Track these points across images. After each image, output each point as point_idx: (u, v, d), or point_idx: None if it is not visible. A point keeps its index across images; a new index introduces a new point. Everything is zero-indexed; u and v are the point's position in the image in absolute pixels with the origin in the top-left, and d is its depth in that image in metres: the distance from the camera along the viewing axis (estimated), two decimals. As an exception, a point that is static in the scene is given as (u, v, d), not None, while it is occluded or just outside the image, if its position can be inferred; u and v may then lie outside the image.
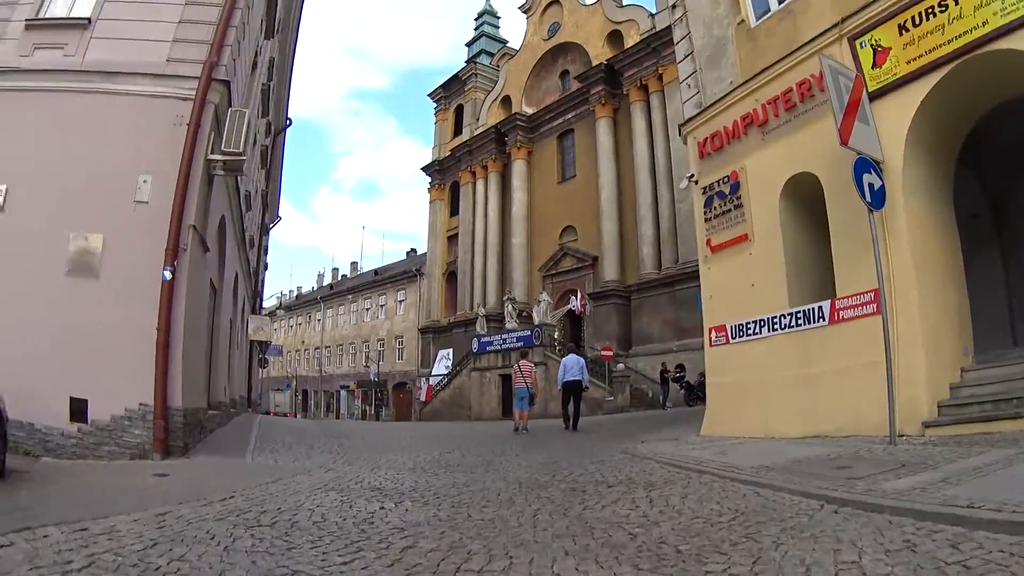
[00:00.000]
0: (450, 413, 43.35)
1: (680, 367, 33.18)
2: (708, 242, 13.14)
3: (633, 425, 18.68)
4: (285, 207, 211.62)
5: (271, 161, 34.26)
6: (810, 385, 10.42)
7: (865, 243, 9.20)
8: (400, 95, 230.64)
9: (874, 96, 9.80)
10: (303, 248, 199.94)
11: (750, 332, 11.74)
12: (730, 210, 12.54)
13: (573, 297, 40.89)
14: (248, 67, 16.57)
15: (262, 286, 46.68)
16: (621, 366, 35.48)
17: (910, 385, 8.90)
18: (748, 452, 9.18)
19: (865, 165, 9.11)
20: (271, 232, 50.32)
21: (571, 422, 17.85)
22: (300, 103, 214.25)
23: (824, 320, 10.35)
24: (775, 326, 11.23)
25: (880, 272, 8.87)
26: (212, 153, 11.85)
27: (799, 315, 10.81)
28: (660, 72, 40.36)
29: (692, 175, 13.80)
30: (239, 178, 16.62)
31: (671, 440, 12.02)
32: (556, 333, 41.19)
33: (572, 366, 18.02)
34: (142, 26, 11.89)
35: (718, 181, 12.87)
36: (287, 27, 29.89)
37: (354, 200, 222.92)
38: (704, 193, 13.27)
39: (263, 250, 43.22)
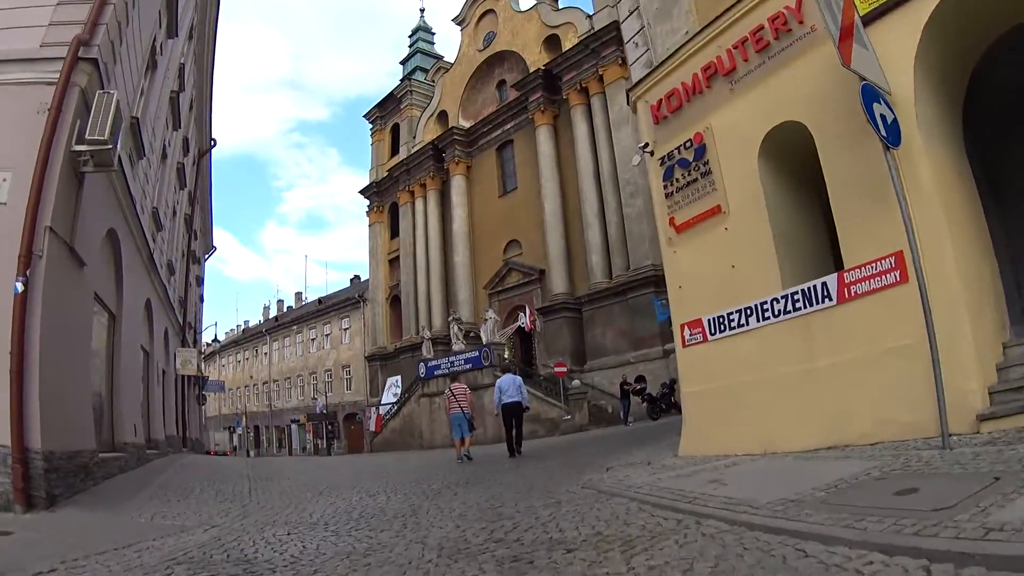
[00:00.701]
0: (402, 443, 40.69)
1: (640, 379, 31.25)
2: (671, 221, 10.79)
3: (595, 446, 16.38)
4: (231, 243, 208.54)
5: (196, 184, 32.20)
6: (818, 382, 8.19)
7: (877, 196, 7.26)
8: (341, 125, 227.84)
9: (869, 20, 7.76)
10: (252, 283, 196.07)
11: (734, 325, 9.50)
12: (696, 179, 10.32)
13: (521, 313, 38.70)
14: (141, 61, 14.23)
15: (199, 320, 44.90)
16: (577, 382, 33.25)
17: (956, 369, 6.73)
18: (752, 477, 6.96)
19: (873, 93, 7.02)
20: (206, 263, 48.64)
21: (515, 447, 16.17)
22: (241, 138, 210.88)
23: (831, 299, 8.14)
24: (766, 314, 9.00)
25: (909, 227, 6.74)
26: (77, 144, 9.45)
27: (797, 297, 8.60)
28: (600, 73, 38.79)
29: (645, 144, 11.49)
30: (140, 189, 15.10)
31: (642, 465, 9.73)
32: (506, 352, 39.10)
33: (508, 386, 16.43)
34: (18, 11, 10.00)
35: (678, 148, 10.66)
36: (203, 36, 28.02)
37: (300, 234, 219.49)
38: (662, 164, 11.04)
39: (197, 281, 41.93)
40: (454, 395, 16.82)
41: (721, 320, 9.70)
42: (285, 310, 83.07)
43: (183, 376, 36.82)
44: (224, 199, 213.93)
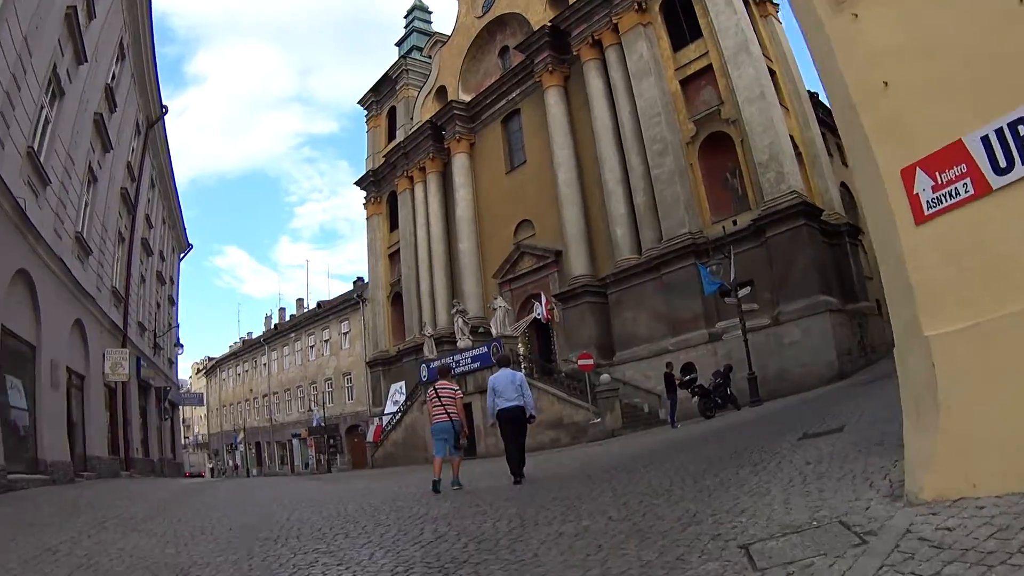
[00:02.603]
0: (405, 456, 35.34)
1: (689, 367, 25.35)
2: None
3: (652, 466, 10.55)
4: (246, 261, 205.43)
5: (142, 158, 29.90)
6: None
7: None
8: (350, 137, 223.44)
9: None
10: (267, 300, 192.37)
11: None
12: None
13: (536, 303, 33.01)
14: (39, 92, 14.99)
15: (174, 327, 41.17)
16: (606, 377, 27.62)
17: None
18: None
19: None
20: (181, 264, 46.23)
21: (517, 470, 11.70)
22: (252, 157, 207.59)
23: None
24: None
25: None
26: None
27: None
28: (615, 22, 33.05)
29: None
30: (53, 217, 16.52)
31: (823, 530, 4.28)
32: (521, 347, 33.38)
33: (505, 386, 12.03)
34: None
35: None
36: (138, 41, 26.76)
37: (315, 248, 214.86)
38: None
39: (172, 281, 40.52)
40: (439, 397, 12.04)
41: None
42: (287, 319, 77.27)
43: (158, 392, 32.26)
44: (237, 218, 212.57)
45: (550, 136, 36.09)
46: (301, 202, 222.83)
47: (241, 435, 71.59)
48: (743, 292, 24.11)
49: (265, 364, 71.63)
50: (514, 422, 11.86)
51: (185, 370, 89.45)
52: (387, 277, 50.63)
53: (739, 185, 28.98)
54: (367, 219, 53.23)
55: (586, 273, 33.35)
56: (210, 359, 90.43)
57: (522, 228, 38.95)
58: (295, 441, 62.94)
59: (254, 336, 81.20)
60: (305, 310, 73.90)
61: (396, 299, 49.05)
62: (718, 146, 29.66)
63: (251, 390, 74.23)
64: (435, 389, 12.14)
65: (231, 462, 76.37)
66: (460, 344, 33.66)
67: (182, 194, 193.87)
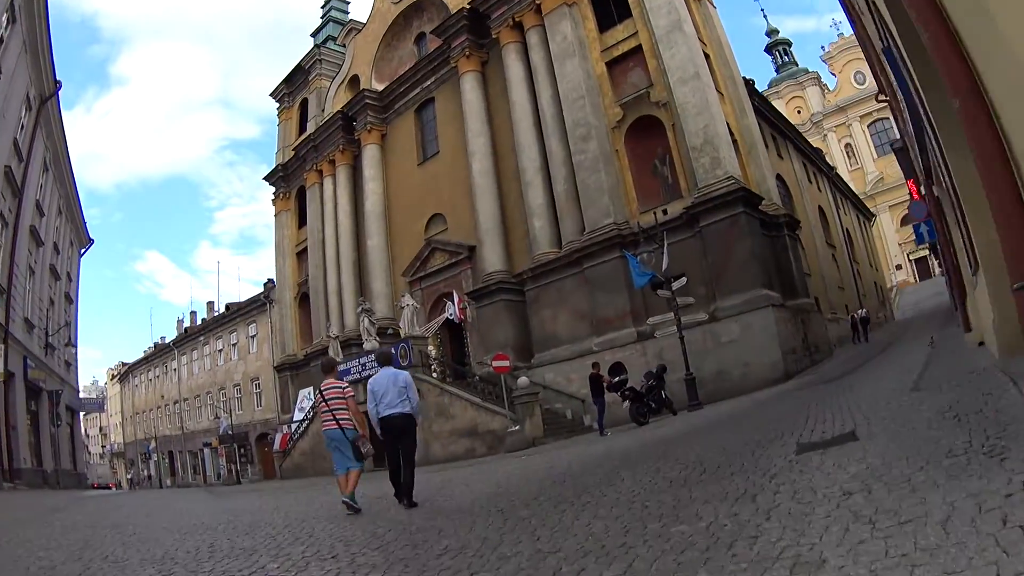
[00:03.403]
0: (313, 467, 31.10)
1: (618, 367, 22.09)
2: None
3: (594, 500, 6.76)
4: (167, 267, 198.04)
5: (32, 137, 26.94)
6: None
7: None
8: (271, 142, 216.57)
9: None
10: (187, 306, 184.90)
11: None
12: None
13: (449, 302, 29.57)
14: None
15: (72, 327, 37.71)
16: (524, 380, 24.32)
17: None
18: None
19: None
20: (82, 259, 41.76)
21: (405, 492, 9.20)
22: (175, 159, 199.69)
23: None
24: None
25: None
26: None
27: None
28: (538, 2, 29.91)
29: None
30: None
31: None
32: (432, 349, 29.82)
33: (385, 390, 9.51)
34: None
35: None
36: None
37: (235, 253, 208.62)
38: None
39: (67, 277, 36.65)
40: (325, 399, 9.44)
41: None
42: (199, 322, 71.89)
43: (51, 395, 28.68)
44: (159, 224, 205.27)
45: (465, 124, 32.61)
46: (221, 207, 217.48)
47: (153, 444, 66.98)
48: (678, 283, 21.08)
49: (175, 369, 66.43)
50: (398, 432, 9.28)
51: (101, 375, 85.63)
52: (295, 277, 46.16)
53: (669, 173, 26.11)
54: (275, 216, 48.63)
55: (502, 269, 29.90)
56: (124, 364, 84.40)
57: (434, 223, 35.31)
58: (206, 450, 58.15)
59: (167, 341, 75.50)
60: (215, 313, 68.95)
61: (304, 300, 44.71)
62: (647, 131, 26.74)
63: (163, 396, 68.93)
64: (320, 390, 9.54)
65: (145, 472, 71.11)
66: (366, 346, 29.87)
67: (105, 198, 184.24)
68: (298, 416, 38.30)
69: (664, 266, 21.17)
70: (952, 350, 13.93)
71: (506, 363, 23.90)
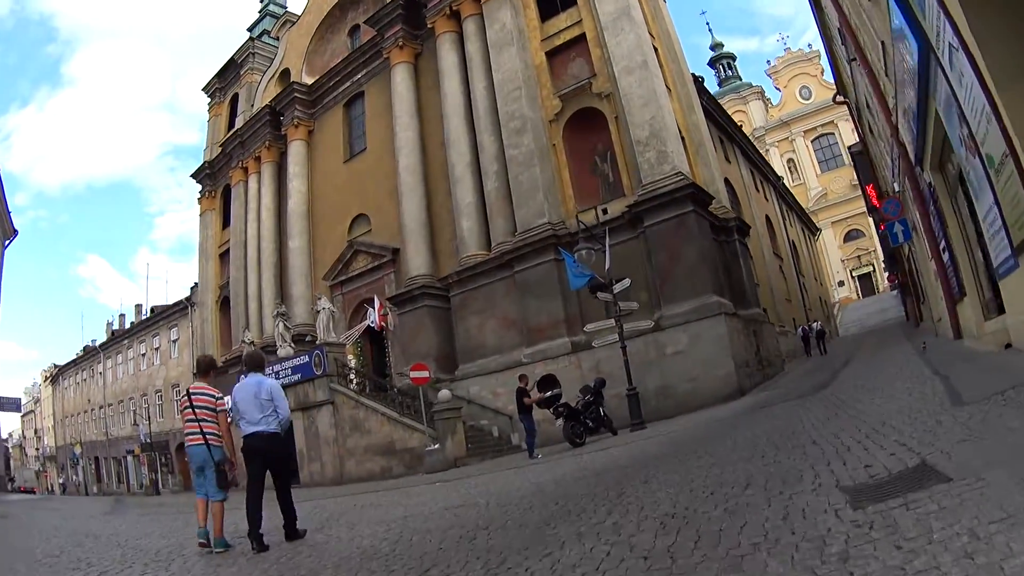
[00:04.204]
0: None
1: (549, 380, 18.95)
2: None
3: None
4: (107, 271, 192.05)
5: None
6: None
7: None
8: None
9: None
10: (127, 311, 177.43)
11: None
12: None
13: (370, 308, 26.26)
14: None
15: None
16: (445, 393, 21.12)
17: None
18: None
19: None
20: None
21: (286, 523, 7.61)
22: (121, 164, 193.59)
23: None
24: None
25: None
26: None
27: None
28: (477, -11, 26.71)
29: None
30: None
31: None
32: (352, 358, 26.64)
33: (247, 403, 7.49)
34: None
35: None
36: None
37: (174, 260, 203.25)
38: None
39: None
40: (192, 406, 7.50)
41: None
42: (127, 325, 67.60)
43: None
44: (102, 228, 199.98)
45: (394, 117, 29.36)
46: (161, 212, 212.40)
47: (80, 449, 62.39)
48: (621, 285, 18.08)
49: (101, 373, 62.08)
50: (261, 456, 7.38)
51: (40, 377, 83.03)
52: (217, 279, 42.15)
53: (610, 170, 23.31)
54: (200, 216, 44.48)
55: (426, 273, 26.64)
56: (56, 366, 79.62)
57: (358, 223, 31.90)
58: (129, 458, 54.62)
59: (96, 344, 71.06)
60: (143, 317, 64.88)
61: (225, 304, 40.76)
62: (588, 125, 23.95)
63: (89, 400, 64.35)
64: (189, 395, 7.63)
65: (74, 477, 67.08)
66: (280, 352, 26.32)
67: (53, 200, 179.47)
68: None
69: (606, 266, 18.18)
70: (957, 356, 11.10)
71: (425, 374, 20.64)
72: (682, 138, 23.77)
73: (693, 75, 27.46)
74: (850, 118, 63.69)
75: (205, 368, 8.52)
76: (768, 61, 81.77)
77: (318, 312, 25.46)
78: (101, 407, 61.21)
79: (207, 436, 7.36)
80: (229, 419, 7.74)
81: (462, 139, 26.26)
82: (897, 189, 18.38)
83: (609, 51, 23.08)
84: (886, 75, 12.48)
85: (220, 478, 7.32)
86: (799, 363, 28.29)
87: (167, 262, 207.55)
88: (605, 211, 20.96)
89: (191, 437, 7.49)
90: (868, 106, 20.38)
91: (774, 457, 6.23)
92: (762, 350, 23.33)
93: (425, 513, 8.74)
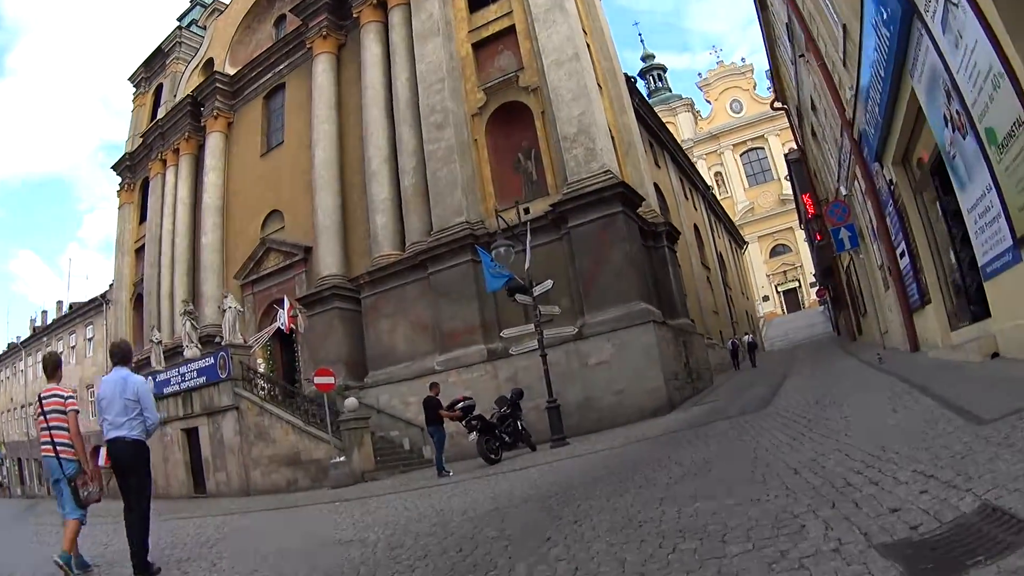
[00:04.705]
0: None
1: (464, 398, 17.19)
2: None
3: None
4: (38, 267, 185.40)
5: None
6: None
7: None
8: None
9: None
10: (50, 307, 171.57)
11: None
12: None
13: (280, 309, 24.32)
14: None
15: None
16: (352, 402, 19.17)
17: None
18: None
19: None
20: None
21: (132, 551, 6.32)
22: (52, 158, 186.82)
23: None
24: None
25: None
26: None
27: None
28: (407, -22, 25.03)
29: None
30: None
31: None
32: (262, 362, 24.77)
33: (110, 400, 6.54)
34: None
35: None
36: None
37: (104, 257, 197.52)
38: None
39: None
40: (44, 412, 6.69)
41: None
42: (49, 322, 64.11)
43: None
44: (33, 223, 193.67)
45: (312, 110, 27.49)
46: (90, 209, 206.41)
47: (4, 449, 59.38)
48: (542, 287, 16.44)
49: (22, 371, 58.90)
50: (121, 466, 6.44)
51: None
52: (131, 276, 39.33)
53: (534, 167, 21.83)
54: (118, 209, 41.56)
55: (338, 273, 24.73)
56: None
57: (272, 220, 29.86)
58: (48, 460, 50.64)
59: (19, 340, 67.17)
60: (63, 313, 61.66)
61: (140, 302, 38.00)
62: (512, 120, 22.46)
63: (11, 399, 61.02)
64: (40, 399, 6.77)
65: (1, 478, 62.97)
66: (187, 354, 24.22)
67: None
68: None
69: (526, 266, 16.57)
70: (930, 368, 9.78)
71: (330, 380, 18.74)
72: (612, 137, 22.51)
73: (625, 75, 26.26)
74: (782, 132, 64.28)
75: (51, 367, 7.27)
76: (700, 74, 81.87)
77: (223, 311, 23.44)
78: (23, 406, 57.12)
79: (57, 447, 6.57)
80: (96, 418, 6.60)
81: (380, 132, 24.50)
82: (844, 192, 17.32)
83: (539, 44, 21.68)
84: (844, 65, 11.36)
85: (74, 494, 6.52)
86: (728, 376, 27.34)
87: (96, 258, 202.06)
88: (527, 210, 19.28)
89: (44, 447, 6.73)
90: (813, 107, 19.35)
91: (745, 492, 4.59)
92: (692, 362, 22.14)
93: (306, 548, 7.20)
